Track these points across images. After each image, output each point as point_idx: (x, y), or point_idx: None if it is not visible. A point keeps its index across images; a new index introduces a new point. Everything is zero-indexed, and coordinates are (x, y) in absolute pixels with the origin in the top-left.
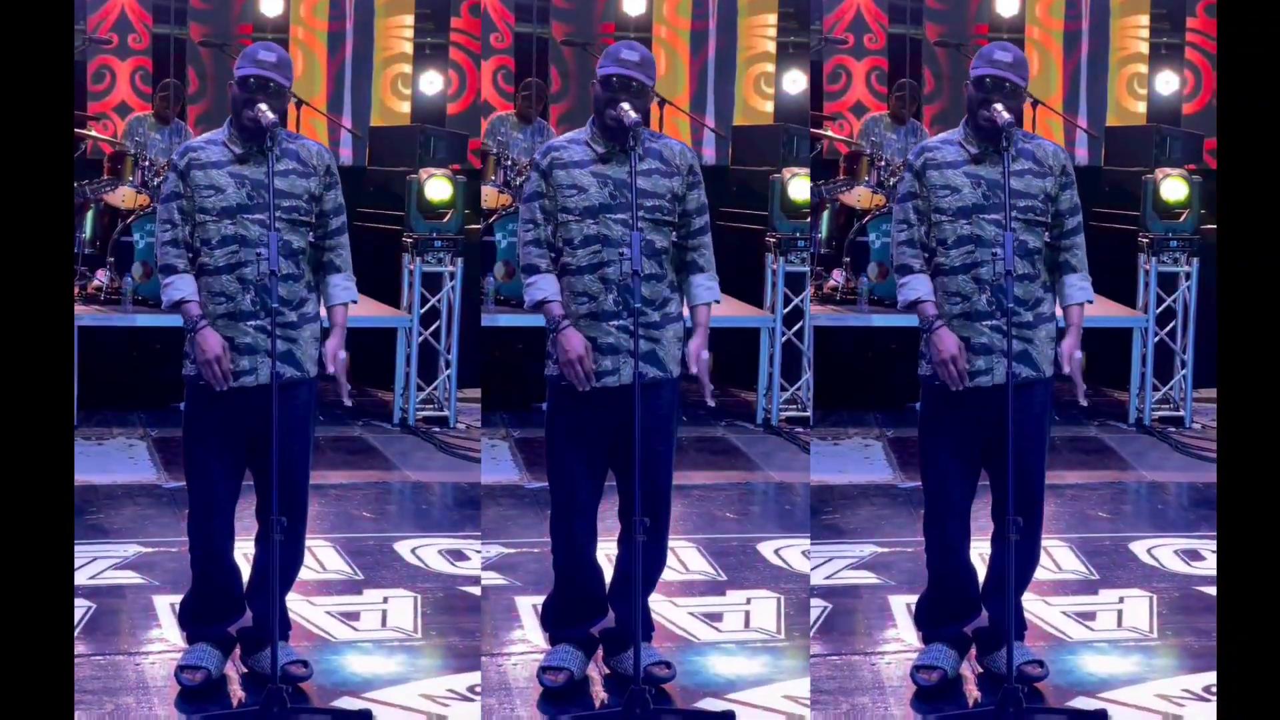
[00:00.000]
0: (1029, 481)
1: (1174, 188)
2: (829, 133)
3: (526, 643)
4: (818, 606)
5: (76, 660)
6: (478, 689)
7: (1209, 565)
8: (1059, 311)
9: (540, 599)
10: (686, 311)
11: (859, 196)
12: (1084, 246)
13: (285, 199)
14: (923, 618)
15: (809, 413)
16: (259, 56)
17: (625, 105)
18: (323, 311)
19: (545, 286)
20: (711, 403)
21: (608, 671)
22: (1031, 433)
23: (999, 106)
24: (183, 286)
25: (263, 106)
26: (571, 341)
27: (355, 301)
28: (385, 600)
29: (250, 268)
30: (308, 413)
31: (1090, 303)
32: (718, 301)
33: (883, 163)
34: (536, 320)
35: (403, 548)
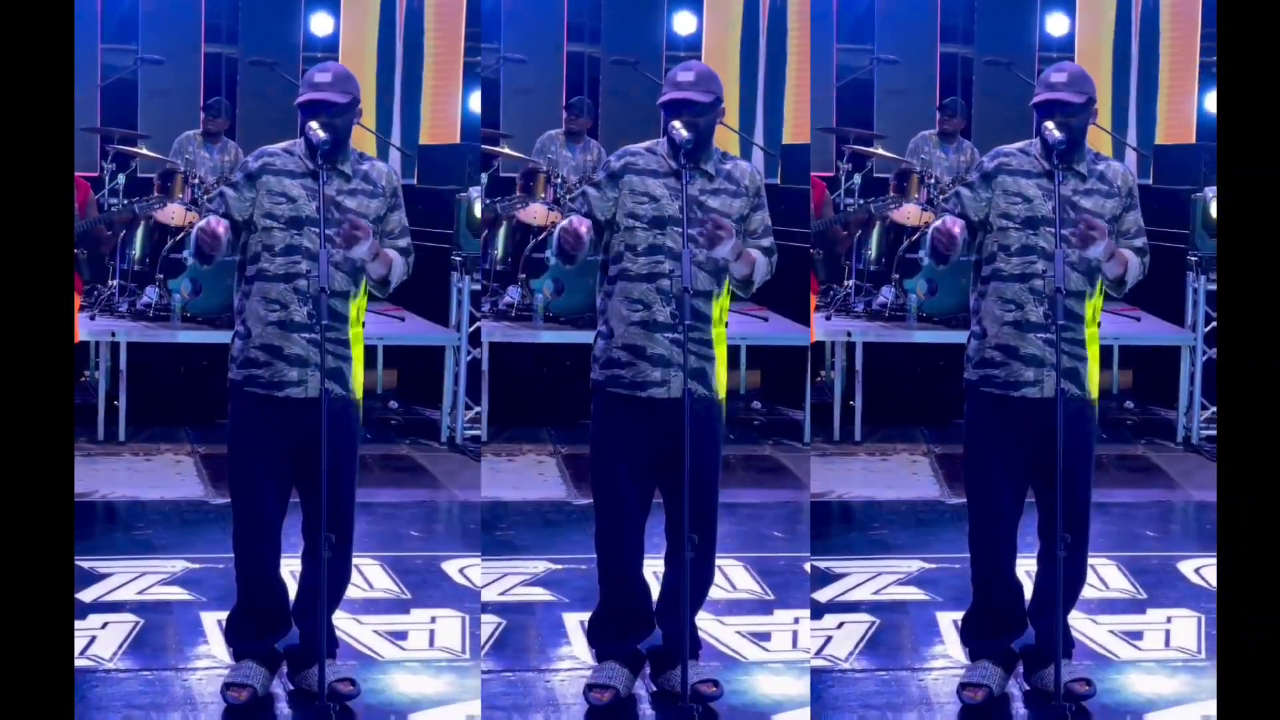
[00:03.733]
0: (1076, 499)
1: None
2: (879, 150)
3: (574, 659)
4: (863, 623)
5: (124, 676)
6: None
7: None
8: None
9: (587, 615)
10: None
11: (908, 214)
12: (1146, 261)
13: (352, 216)
14: (969, 634)
15: (857, 428)
16: (314, 79)
17: (676, 124)
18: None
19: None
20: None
21: (655, 689)
22: (1078, 449)
23: (1050, 125)
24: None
25: (313, 125)
26: (577, 223)
27: (404, 270)
28: (433, 620)
29: (307, 280)
30: (353, 432)
31: (1140, 266)
32: (757, 275)
33: (932, 180)
34: (582, 336)
35: (450, 567)
